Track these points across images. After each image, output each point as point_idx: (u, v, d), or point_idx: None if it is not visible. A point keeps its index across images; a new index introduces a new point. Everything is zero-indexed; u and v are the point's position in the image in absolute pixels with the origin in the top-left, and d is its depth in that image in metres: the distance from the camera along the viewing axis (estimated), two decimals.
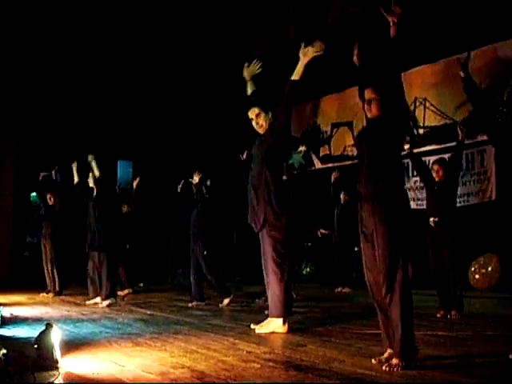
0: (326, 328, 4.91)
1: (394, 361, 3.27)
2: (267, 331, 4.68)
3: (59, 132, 11.11)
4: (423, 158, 8.93)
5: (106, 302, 7.05)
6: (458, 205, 8.20)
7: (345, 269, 8.78)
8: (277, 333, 4.69)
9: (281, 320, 4.73)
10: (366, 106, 3.48)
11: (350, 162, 10.02)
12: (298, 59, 4.74)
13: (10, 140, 10.55)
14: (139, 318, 5.86)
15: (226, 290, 7.08)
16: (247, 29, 9.81)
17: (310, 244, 10.34)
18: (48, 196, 8.67)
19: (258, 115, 4.95)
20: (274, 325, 4.73)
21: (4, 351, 3.22)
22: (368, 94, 3.45)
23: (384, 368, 3.24)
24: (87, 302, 7.26)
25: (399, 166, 3.55)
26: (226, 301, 6.91)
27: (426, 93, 8.83)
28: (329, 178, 9.00)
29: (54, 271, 8.52)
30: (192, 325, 5.27)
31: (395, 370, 3.20)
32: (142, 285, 9.58)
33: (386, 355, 3.41)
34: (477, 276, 7.94)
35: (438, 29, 7.98)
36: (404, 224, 3.33)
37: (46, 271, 8.64)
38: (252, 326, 4.82)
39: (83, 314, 6.16)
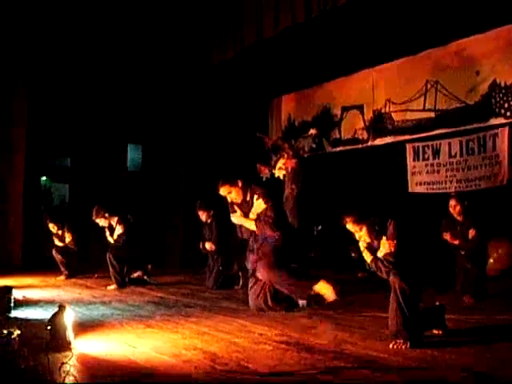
0: (337, 311, 4.91)
1: (399, 340, 3.43)
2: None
3: (69, 117, 11.12)
4: (434, 142, 8.90)
5: (111, 287, 7.12)
6: (469, 189, 8.16)
7: None
8: (287, 315, 4.72)
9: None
10: None
11: (360, 146, 9.93)
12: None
13: (21, 125, 10.57)
14: (150, 300, 5.91)
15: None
16: (255, 12, 9.66)
17: (320, 228, 10.24)
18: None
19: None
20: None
21: (18, 332, 3.25)
22: None
23: (391, 346, 3.37)
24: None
25: None
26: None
27: (438, 75, 8.70)
28: (339, 161, 8.88)
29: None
30: (203, 307, 5.30)
31: (403, 347, 3.36)
32: (150, 266, 9.60)
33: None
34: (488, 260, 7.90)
35: (450, 10, 7.83)
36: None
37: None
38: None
39: (95, 297, 6.22)
